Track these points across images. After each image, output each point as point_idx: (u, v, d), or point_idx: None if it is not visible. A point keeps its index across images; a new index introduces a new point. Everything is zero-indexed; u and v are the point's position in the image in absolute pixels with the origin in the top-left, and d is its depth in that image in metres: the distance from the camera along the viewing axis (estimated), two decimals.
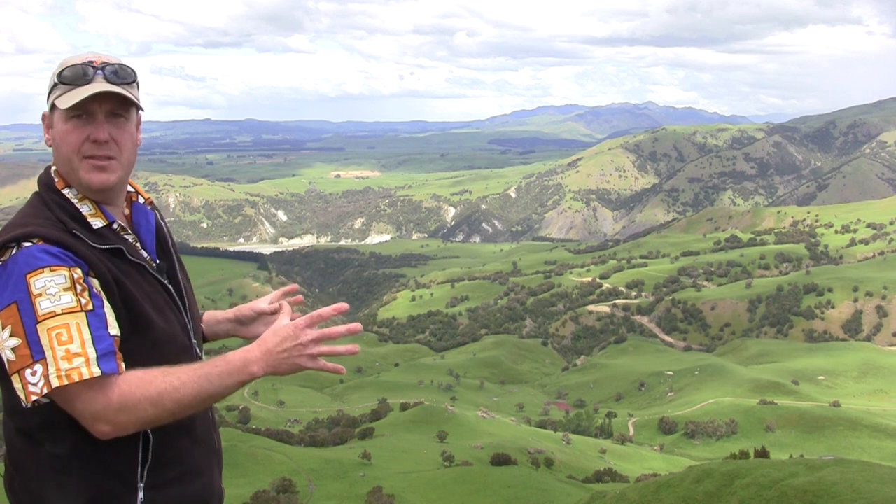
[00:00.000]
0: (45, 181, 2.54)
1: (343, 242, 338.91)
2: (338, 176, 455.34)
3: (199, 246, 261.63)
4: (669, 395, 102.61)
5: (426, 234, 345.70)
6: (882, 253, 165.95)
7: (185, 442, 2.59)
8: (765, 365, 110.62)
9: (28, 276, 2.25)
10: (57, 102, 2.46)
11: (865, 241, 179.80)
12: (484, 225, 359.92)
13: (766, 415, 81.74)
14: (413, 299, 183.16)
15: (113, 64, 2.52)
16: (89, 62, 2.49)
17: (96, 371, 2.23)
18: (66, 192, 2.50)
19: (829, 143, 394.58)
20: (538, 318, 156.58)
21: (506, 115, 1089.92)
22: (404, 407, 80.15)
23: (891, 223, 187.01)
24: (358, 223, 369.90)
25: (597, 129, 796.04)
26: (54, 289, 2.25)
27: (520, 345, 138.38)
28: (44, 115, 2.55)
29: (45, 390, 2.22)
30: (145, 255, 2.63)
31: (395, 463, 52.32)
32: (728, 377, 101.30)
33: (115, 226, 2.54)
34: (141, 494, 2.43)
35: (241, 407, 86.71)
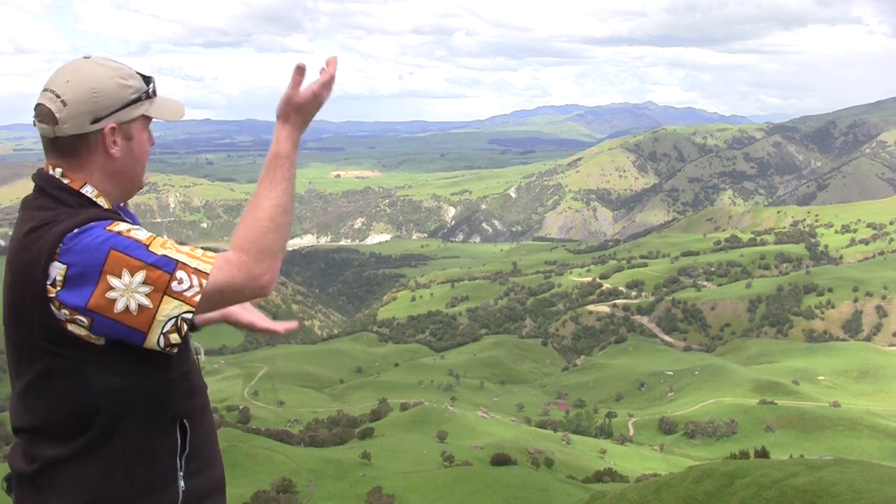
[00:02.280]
0: (58, 184, 2.49)
1: (343, 242, 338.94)
2: (338, 176, 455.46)
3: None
4: (669, 395, 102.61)
5: (426, 234, 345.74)
6: (882, 253, 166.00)
7: (206, 430, 2.65)
8: (765, 365, 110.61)
9: (108, 227, 2.32)
10: (159, 115, 2.59)
11: (865, 241, 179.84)
12: (484, 225, 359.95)
13: (766, 415, 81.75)
14: (413, 299, 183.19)
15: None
16: (138, 72, 2.60)
17: (213, 253, 2.41)
18: (84, 190, 2.50)
19: (829, 143, 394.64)
20: (538, 318, 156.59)
21: (506, 115, 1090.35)
22: (404, 407, 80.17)
23: (891, 223, 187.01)
24: (358, 223, 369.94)
25: (597, 129, 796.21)
26: (133, 227, 2.37)
27: (520, 345, 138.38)
28: (113, 129, 2.50)
29: (203, 281, 2.31)
30: None
31: (395, 463, 52.32)
32: (728, 377, 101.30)
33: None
34: (182, 483, 2.51)
35: (241, 407, 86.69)
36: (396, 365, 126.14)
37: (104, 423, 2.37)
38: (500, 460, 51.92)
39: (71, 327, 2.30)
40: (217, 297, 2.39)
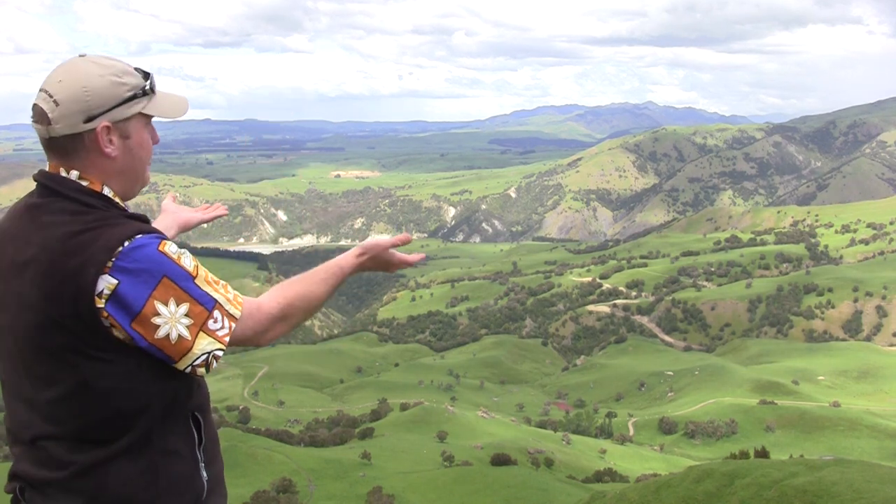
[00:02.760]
0: (77, 186, 2.45)
1: (343, 242, 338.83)
2: (338, 176, 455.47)
3: (199, 246, 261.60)
4: (669, 395, 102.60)
5: (426, 234, 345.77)
6: (882, 253, 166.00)
7: (210, 422, 2.74)
8: (765, 365, 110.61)
9: (161, 248, 2.35)
10: (157, 112, 2.56)
11: (865, 241, 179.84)
12: (484, 225, 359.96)
13: (766, 415, 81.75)
14: (413, 299, 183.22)
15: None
16: (137, 68, 2.56)
17: (241, 296, 2.52)
18: (105, 191, 2.49)
19: (829, 143, 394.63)
20: (538, 318, 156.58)
21: (506, 115, 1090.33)
22: (404, 407, 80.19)
23: (891, 223, 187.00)
24: (358, 223, 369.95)
25: (597, 129, 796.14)
26: (181, 248, 2.42)
27: (520, 345, 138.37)
28: (107, 128, 2.46)
29: (233, 324, 2.44)
30: None
31: (395, 463, 52.32)
32: (728, 377, 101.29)
33: None
34: (204, 473, 2.59)
35: (241, 407, 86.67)
36: (396, 365, 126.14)
37: (143, 422, 2.42)
38: (500, 460, 51.92)
39: (114, 331, 2.33)
40: (239, 339, 2.51)
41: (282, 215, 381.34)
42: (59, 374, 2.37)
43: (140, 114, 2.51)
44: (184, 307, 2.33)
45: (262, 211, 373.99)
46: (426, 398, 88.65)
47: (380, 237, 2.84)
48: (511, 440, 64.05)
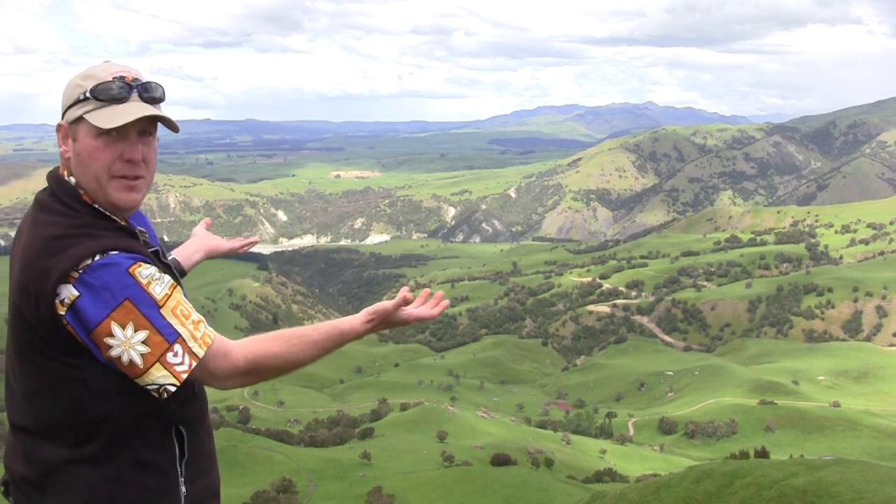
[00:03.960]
0: (71, 194, 2.46)
1: (343, 242, 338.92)
2: (338, 176, 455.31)
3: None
4: (669, 395, 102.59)
5: (426, 234, 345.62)
6: (882, 253, 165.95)
7: (204, 435, 2.69)
8: (765, 365, 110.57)
9: (130, 270, 2.29)
10: (92, 119, 2.40)
11: (865, 241, 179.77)
12: (484, 225, 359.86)
13: (766, 415, 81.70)
14: None
15: (145, 81, 2.49)
16: (120, 77, 2.44)
17: (212, 334, 2.45)
18: (96, 204, 2.47)
19: (829, 143, 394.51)
20: (538, 318, 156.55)
21: (506, 115, 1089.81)
22: (404, 407, 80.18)
23: (891, 223, 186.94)
24: (358, 223, 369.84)
25: (597, 129, 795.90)
26: (157, 274, 2.34)
27: (520, 345, 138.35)
28: (60, 126, 2.47)
29: (193, 362, 2.36)
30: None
31: (395, 463, 52.30)
32: (728, 377, 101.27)
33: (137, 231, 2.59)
34: (183, 489, 2.53)
35: (241, 407, 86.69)
36: (396, 365, 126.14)
37: (110, 429, 2.38)
38: (500, 460, 51.91)
39: (78, 338, 2.31)
40: (196, 378, 2.45)
41: (282, 215, 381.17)
42: (27, 370, 2.40)
43: (88, 122, 2.40)
44: (142, 334, 2.27)
45: (261, 211, 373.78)
46: (426, 398, 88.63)
47: (385, 302, 2.71)
48: (511, 440, 64.04)
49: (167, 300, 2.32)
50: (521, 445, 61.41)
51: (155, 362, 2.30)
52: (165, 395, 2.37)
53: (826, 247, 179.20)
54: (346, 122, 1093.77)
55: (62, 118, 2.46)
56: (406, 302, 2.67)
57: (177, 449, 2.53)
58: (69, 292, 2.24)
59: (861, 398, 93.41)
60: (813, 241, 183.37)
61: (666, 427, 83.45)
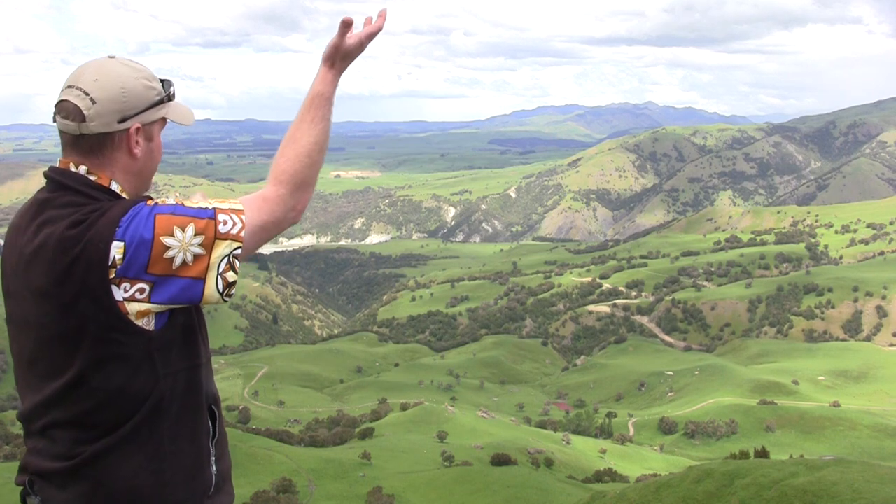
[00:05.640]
0: (86, 181, 2.55)
1: (343, 242, 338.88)
2: (338, 176, 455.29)
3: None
4: (669, 395, 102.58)
5: (426, 234, 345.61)
6: (882, 253, 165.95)
7: (223, 418, 2.81)
8: (765, 365, 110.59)
9: (148, 203, 2.47)
10: (177, 119, 2.73)
11: (865, 241, 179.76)
12: (484, 225, 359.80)
13: (766, 415, 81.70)
14: (413, 299, 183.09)
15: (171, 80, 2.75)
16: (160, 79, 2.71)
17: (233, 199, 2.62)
18: (112, 186, 2.59)
19: (829, 143, 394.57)
20: (538, 318, 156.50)
21: (506, 115, 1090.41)
22: (404, 407, 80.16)
23: (891, 223, 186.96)
24: (358, 223, 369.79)
25: (597, 129, 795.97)
26: (164, 199, 2.53)
27: (520, 345, 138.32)
28: (138, 129, 2.60)
29: (242, 217, 2.50)
30: None
31: (395, 463, 52.30)
32: (728, 377, 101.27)
33: None
34: (213, 467, 2.64)
35: (241, 407, 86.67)
36: (396, 365, 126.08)
37: (149, 411, 2.45)
38: (500, 460, 51.93)
39: (129, 306, 2.37)
40: (261, 233, 2.58)
41: None
42: (70, 359, 2.42)
43: (161, 118, 2.67)
44: (190, 228, 2.40)
45: None
46: (426, 398, 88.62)
47: (332, 39, 2.77)
48: (511, 440, 64.01)
49: (184, 200, 2.50)
50: (521, 445, 61.41)
51: (213, 241, 2.42)
52: (237, 265, 2.49)
53: (826, 247, 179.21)
54: (346, 121, 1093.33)
55: (132, 120, 2.56)
56: (346, 26, 2.71)
57: (210, 428, 2.63)
58: (116, 248, 2.35)
59: (861, 398, 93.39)
60: (813, 241, 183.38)
61: (666, 427, 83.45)
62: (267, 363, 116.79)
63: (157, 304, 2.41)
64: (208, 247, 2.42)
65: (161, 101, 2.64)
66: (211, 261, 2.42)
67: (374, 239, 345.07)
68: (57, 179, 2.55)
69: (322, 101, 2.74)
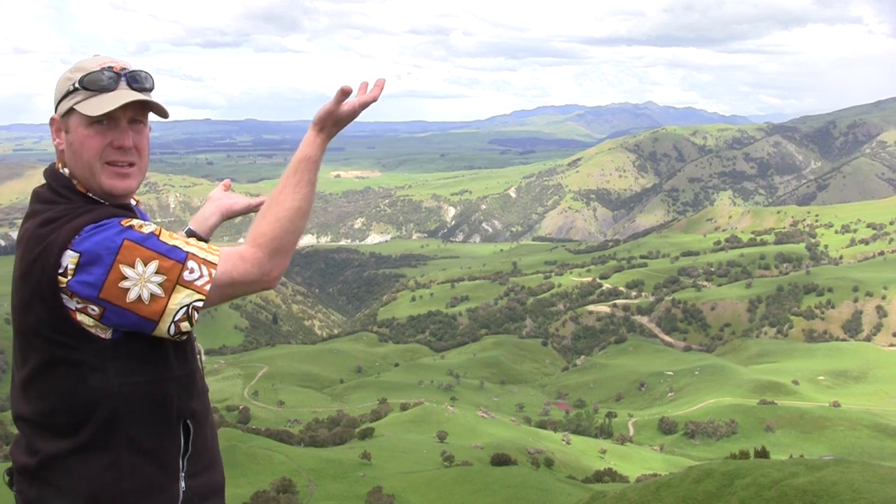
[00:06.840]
0: (66, 184, 2.54)
1: (343, 242, 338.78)
2: (338, 176, 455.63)
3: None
4: (669, 395, 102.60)
5: (426, 234, 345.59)
6: (882, 253, 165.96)
7: (209, 431, 2.70)
8: (765, 365, 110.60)
9: (122, 222, 2.37)
10: (81, 108, 2.48)
11: (865, 241, 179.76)
12: (484, 225, 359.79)
13: (766, 415, 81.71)
14: (413, 299, 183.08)
15: (133, 70, 2.58)
16: (108, 67, 2.52)
17: (217, 248, 2.51)
18: (90, 192, 2.54)
19: (829, 143, 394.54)
20: (538, 318, 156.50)
21: (505, 115, 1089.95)
22: (404, 407, 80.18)
23: (891, 223, 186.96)
24: (358, 223, 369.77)
25: (597, 129, 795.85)
26: (144, 223, 2.43)
27: (520, 345, 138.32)
28: (53, 119, 2.57)
29: (212, 271, 2.39)
30: None
31: (395, 463, 52.31)
32: (728, 377, 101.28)
33: None
34: (182, 483, 2.53)
35: (241, 407, 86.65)
36: (396, 365, 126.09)
37: (105, 419, 2.38)
38: (500, 460, 51.92)
39: (80, 317, 2.32)
40: (228, 290, 2.47)
41: None
42: (28, 355, 2.43)
43: (79, 113, 2.49)
44: (153, 265, 2.30)
45: None
46: (426, 398, 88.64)
47: (327, 104, 2.68)
48: (511, 440, 64.01)
49: (160, 231, 2.39)
50: (521, 445, 61.41)
51: (174, 286, 2.32)
52: (195, 317, 2.39)
53: (826, 247, 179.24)
54: None
55: (55, 112, 2.56)
56: (344, 94, 2.63)
57: (182, 443, 2.53)
58: (70, 258, 2.29)
59: (861, 398, 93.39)
60: (813, 241, 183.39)
61: (666, 427, 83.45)
62: (267, 363, 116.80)
63: (108, 326, 2.35)
64: (168, 290, 2.32)
65: (69, 92, 2.51)
66: (168, 307, 2.33)
67: (374, 239, 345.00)
68: (45, 177, 2.61)
69: (309, 164, 2.64)
